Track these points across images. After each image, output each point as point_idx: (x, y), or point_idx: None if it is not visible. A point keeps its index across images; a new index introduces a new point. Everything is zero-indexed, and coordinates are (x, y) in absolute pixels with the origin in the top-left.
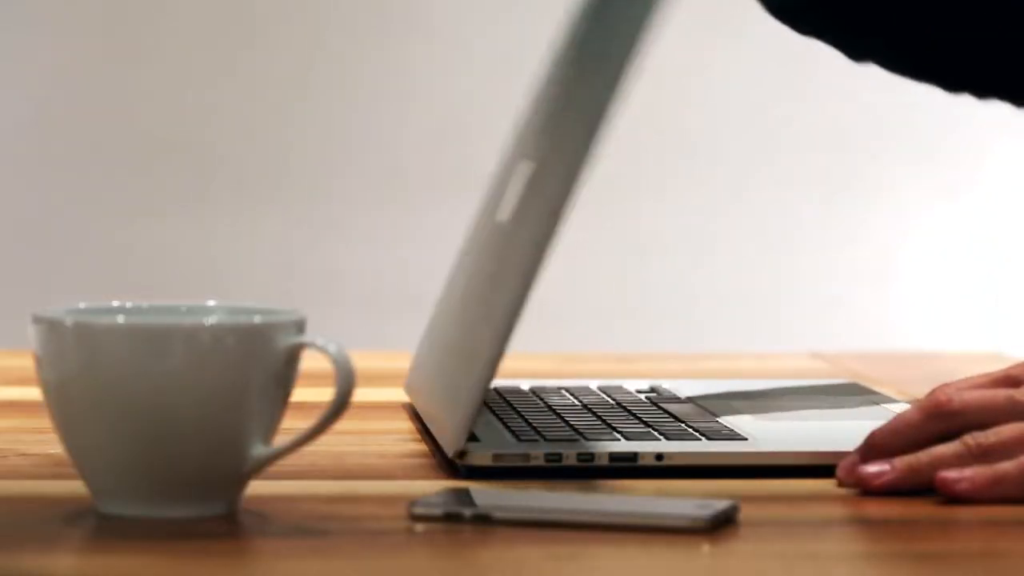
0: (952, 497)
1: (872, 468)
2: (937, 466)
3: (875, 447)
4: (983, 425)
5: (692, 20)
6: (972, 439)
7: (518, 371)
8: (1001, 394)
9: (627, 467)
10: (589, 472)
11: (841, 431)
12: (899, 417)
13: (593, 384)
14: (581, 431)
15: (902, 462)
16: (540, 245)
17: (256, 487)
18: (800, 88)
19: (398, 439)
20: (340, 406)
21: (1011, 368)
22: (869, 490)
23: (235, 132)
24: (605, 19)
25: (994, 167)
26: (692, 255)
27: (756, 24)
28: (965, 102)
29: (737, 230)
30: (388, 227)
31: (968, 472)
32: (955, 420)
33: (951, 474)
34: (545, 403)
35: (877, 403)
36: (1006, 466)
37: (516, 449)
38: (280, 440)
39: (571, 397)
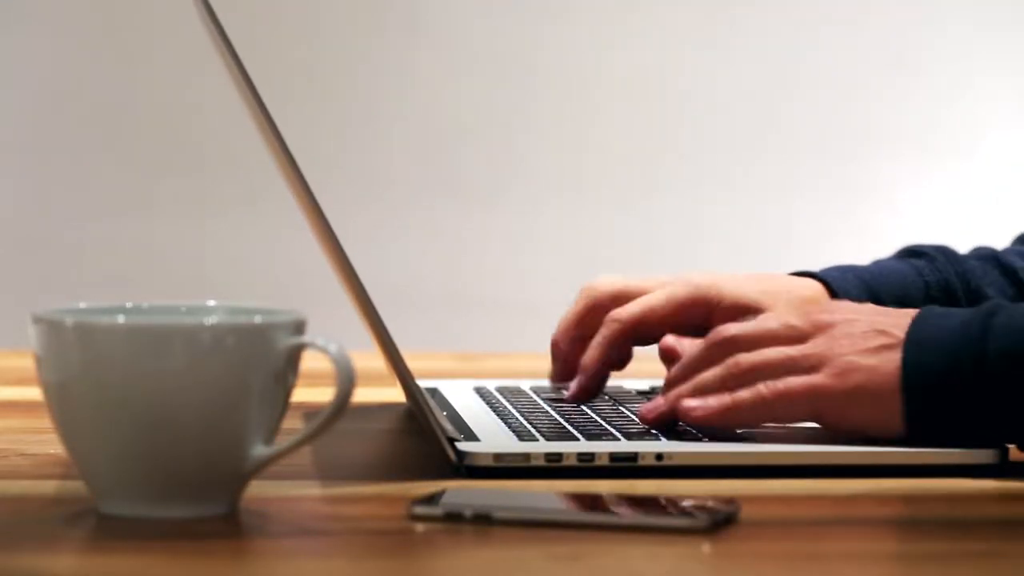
0: (693, 424)
1: (649, 406)
2: (700, 389)
3: (669, 384)
4: (756, 349)
5: (691, 19)
6: (733, 360)
7: (518, 371)
8: (775, 321)
9: (627, 467)
10: (589, 472)
11: None
12: (688, 351)
13: None
14: (581, 431)
15: (671, 395)
16: None
17: (256, 487)
18: (800, 88)
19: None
20: (340, 406)
21: (694, 286)
22: (653, 424)
23: (235, 132)
24: None
25: (994, 166)
26: (692, 255)
27: (755, 23)
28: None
29: (737, 230)
30: (388, 227)
31: (709, 401)
32: (730, 346)
33: (690, 403)
34: (545, 403)
35: None
36: (743, 394)
37: (516, 449)
38: (280, 440)
39: None
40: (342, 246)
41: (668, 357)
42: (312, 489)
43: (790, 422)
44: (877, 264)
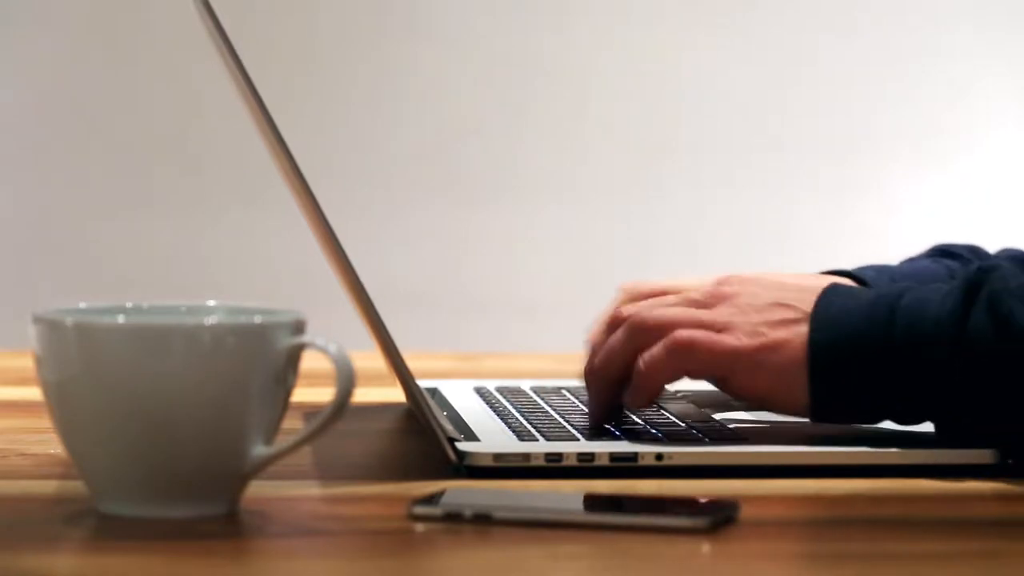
0: (635, 408)
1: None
2: (610, 356)
3: (585, 376)
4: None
5: (691, 20)
6: (637, 317)
7: (518, 371)
8: (672, 297)
9: (627, 467)
10: (589, 472)
11: (840, 430)
12: (590, 338)
13: None
14: (581, 431)
15: (591, 377)
16: None
17: (256, 487)
18: (799, 88)
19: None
20: (340, 406)
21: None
22: (600, 423)
23: (235, 132)
24: None
25: (992, 167)
26: (692, 254)
27: (755, 24)
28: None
29: (736, 229)
30: (388, 227)
31: (633, 386)
32: (630, 321)
33: (627, 399)
34: (545, 403)
35: None
36: (654, 348)
37: (516, 449)
38: (280, 440)
39: (571, 397)
40: (342, 246)
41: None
42: (312, 489)
43: (700, 376)
44: (910, 263)
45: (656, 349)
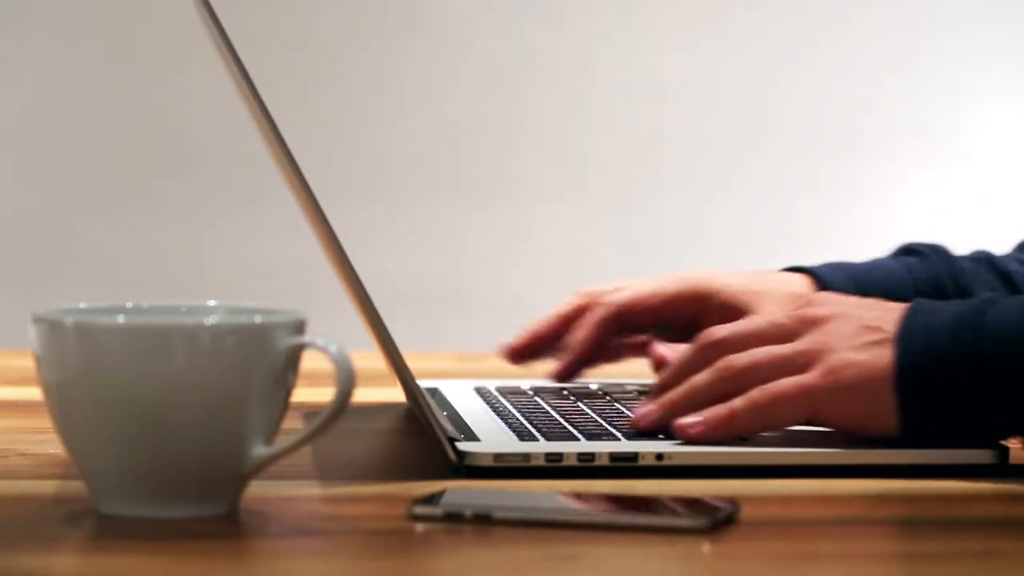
0: (690, 440)
1: (642, 411)
2: (691, 394)
3: (660, 388)
4: (746, 350)
5: (689, 20)
6: (724, 363)
7: (518, 371)
8: (763, 320)
9: (627, 467)
10: (589, 472)
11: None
12: (678, 356)
13: (593, 384)
14: (581, 431)
15: (664, 400)
16: None
17: (256, 487)
18: (796, 88)
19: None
20: (340, 406)
21: (685, 280)
22: (646, 430)
23: (235, 132)
24: None
25: (989, 167)
26: (691, 254)
27: (751, 24)
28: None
29: (737, 229)
30: (387, 227)
31: (704, 415)
32: (719, 348)
33: (686, 420)
34: (545, 403)
35: None
36: (737, 403)
37: (516, 449)
38: (280, 440)
39: (571, 397)
40: (342, 246)
41: (660, 365)
42: (312, 489)
43: (787, 425)
44: (870, 261)
45: (741, 406)
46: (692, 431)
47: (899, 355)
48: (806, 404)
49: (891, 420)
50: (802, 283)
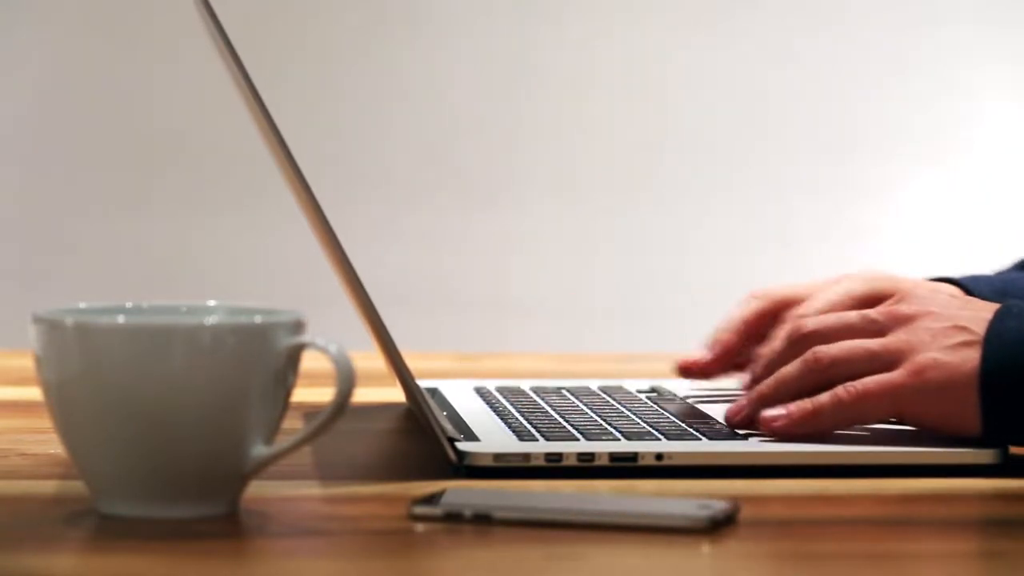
0: (774, 434)
1: (734, 408)
2: (780, 387)
3: (754, 381)
4: (835, 342)
5: (688, 20)
6: (813, 354)
7: (518, 371)
8: (853, 314)
9: (627, 467)
10: (589, 472)
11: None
12: (768, 347)
13: (593, 384)
14: (581, 431)
15: (753, 394)
16: None
17: (256, 487)
18: (795, 89)
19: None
20: (340, 406)
21: (874, 281)
22: (738, 425)
23: (234, 131)
24: None
25: (988, 167)
26: (692, 255)
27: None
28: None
29: (736, 229)
30: (387, 227)
31: (789, 408)
32: (809, 340)
33: (771, 412)
34: (545, 403)
35: None
36: (823, 398)
37: (516, 449)
38: (280, 440)
39: (571, 397)
40: (342, 246)
41: (687, 371)
42: (312, 489)
43: (872, 422)
44: (1003, 273)
45: (826, 403)
46: (776, 424)
47: (985, 358)
48: (891, 403)
49: (975, 422)
50: (959, 293)
